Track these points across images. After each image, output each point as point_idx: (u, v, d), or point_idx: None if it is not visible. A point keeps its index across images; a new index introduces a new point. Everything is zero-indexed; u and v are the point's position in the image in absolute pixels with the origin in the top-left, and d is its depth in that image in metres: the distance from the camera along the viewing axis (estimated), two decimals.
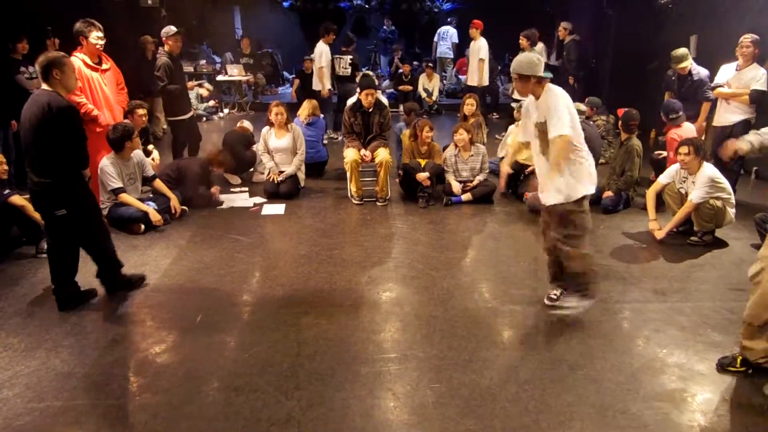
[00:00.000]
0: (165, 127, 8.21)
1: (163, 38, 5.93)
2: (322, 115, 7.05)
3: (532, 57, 3.32)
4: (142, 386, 2.88)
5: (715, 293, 3.91)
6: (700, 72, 5.85)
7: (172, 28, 5.92)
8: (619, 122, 5.78)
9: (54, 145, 3.34)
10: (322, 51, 8.26)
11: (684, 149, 4.61)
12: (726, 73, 5.58)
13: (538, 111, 3.35)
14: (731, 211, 4.61)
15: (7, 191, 4.33)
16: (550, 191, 3.39)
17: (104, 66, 5.17)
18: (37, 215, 4.35)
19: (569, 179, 3.32)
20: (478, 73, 8.90)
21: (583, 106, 6.72)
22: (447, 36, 11.67)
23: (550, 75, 3.33)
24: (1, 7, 6.27)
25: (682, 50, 5.82)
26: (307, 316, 3.56)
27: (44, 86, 3.41)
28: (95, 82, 5.04)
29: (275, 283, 4.05)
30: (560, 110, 3.17)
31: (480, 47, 8.82)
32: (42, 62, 3.39)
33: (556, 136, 3.16)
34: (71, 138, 3.38)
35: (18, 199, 4.33)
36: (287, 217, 5.45)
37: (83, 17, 4.99)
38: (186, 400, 2.77)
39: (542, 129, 3.33)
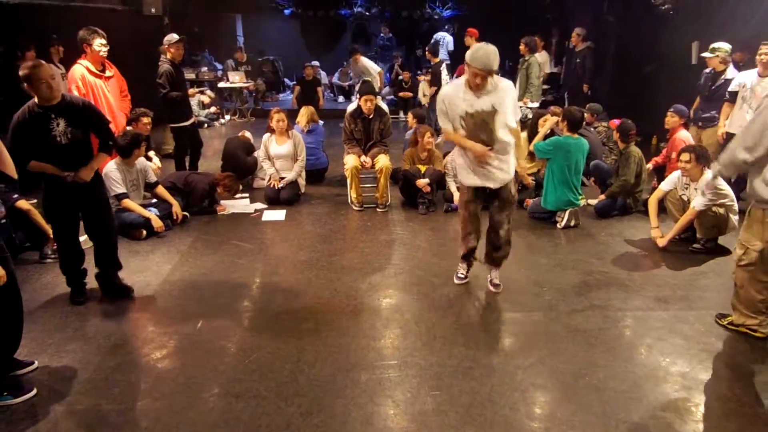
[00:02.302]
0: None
1: (165, 46, 5.98)
2: (321, 122, 7.08)
3: (492, 50, 3.37)
4: (144, 391, 2.88)
5: (719, 301, 3.88)
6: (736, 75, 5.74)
7: (174, 36, 5.96)
8: (616, 133, 5.73)
9: None
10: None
11: (685, 156, 4.61)
12: (746, 79, 5.46)
13: (481, 101, 3.48)
14: (734, 218, 4.59)
15: (15, 195, 4.35)
16: (500, 172, 3.64)
17: (108, 73, 5.21)
18: (41, 220, 4.36)
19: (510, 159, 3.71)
20: None
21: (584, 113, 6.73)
22: (444, 43, 11.69)
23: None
24: (10, 18, 6.32)
25: (727, 45, 5.79)
26: (308, 322, 3.56)
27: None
28: (98, 89, 5.08)
29: (276, 289, 4.05)
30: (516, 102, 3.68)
31: None
32: None
33: (516, 125, 3.63)
34: None
35: (24, 204, 4.34)
36: (288, 223, 5.45)
37: (87, 26, 5.03)
38: (186, 405, 2.77)
39: (485, 118, 3.51)
